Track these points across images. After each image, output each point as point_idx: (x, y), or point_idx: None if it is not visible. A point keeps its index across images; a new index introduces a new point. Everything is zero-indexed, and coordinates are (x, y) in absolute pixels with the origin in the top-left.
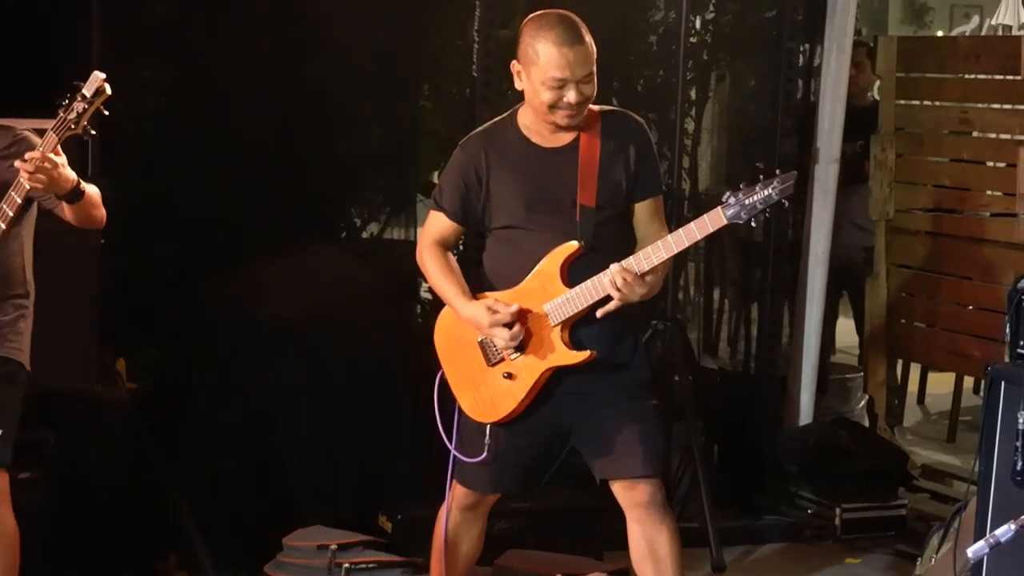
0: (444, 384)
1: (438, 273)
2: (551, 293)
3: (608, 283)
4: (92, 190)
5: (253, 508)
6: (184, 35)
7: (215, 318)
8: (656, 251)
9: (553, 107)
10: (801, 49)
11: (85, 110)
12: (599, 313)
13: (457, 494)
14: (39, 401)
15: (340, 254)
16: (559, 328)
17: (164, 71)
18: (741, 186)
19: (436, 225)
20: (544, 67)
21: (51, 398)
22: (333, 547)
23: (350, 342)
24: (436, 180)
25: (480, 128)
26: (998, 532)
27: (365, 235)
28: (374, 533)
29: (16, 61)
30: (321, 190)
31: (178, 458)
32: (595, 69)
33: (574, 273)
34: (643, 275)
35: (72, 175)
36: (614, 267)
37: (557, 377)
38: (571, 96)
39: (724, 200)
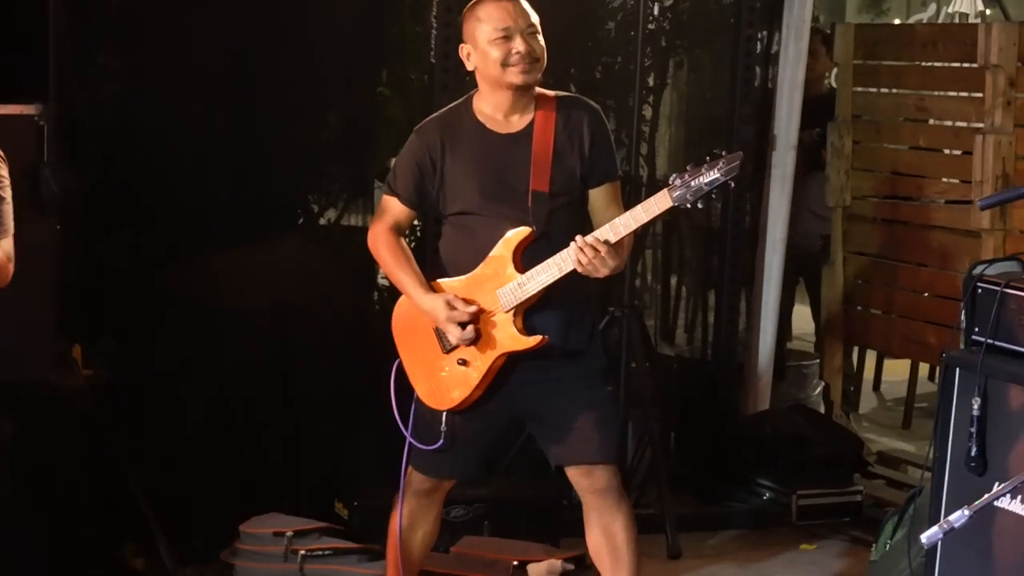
0: (401, 371)
1: (392, 261)
2: (504, 279)
3: (570, 258)
4: None
5: (210, 495)
6: (142, 23)
7: (172, 306)
8: (614, 228)
9: (505, 64)
10: (759, 36)
11: None
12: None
13: (413, 480)
14: None
15: (298, 241)
16: (512, 314)
17: (121, 59)
18: (688, 168)
19: (390, 210)
20: (488, 25)
21: (7, 386)
22: (289, 534)
23: (307, 329)
24: (393, 165)
25: (435, 114)
26: (952, 517)
27: (323, 222)
28: (331, 520)
29: None
30: (279, 177)
31: (135, 446)
32: (540, 29)
33: (527, 259)
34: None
35: None
36: (580, 239)
37: (512, 364)
38: (519, 46)
39: (671, 182)
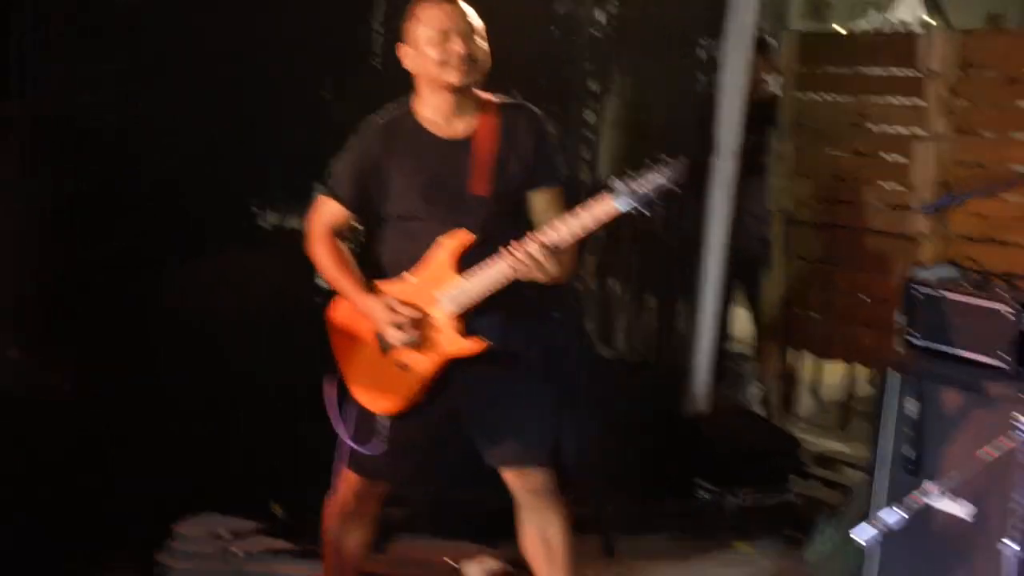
0: (338, 373)
1: (332, 263)
2: (444, 283)
3: (506, 264)
4: None
5: (147, 496)
6: (118, 26)
7: (126, 312)
8: (552, 228)
9: (442, 64)
10: (702, 43)
11: None
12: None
13: (351, 482)
14: None
15: (242, 244)
16: (453, 318)
17: (99, 62)
18: (631, 173)
19: (329, 212)
20: (426, 25)
21: None
22: (226, 535)
23: (247, 331)
24: (333, 165)
25: (375, 116)
26: (883, 514)
27: (266, 226)
28: (267, 520)
29: None
30: (227, 182)
31: (76, 446)
32: (481, 33)
33: (467, 263)
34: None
35: None
36: (516, 242)
37: (452, 367)
38: (456, 46)
39: (612, 186)
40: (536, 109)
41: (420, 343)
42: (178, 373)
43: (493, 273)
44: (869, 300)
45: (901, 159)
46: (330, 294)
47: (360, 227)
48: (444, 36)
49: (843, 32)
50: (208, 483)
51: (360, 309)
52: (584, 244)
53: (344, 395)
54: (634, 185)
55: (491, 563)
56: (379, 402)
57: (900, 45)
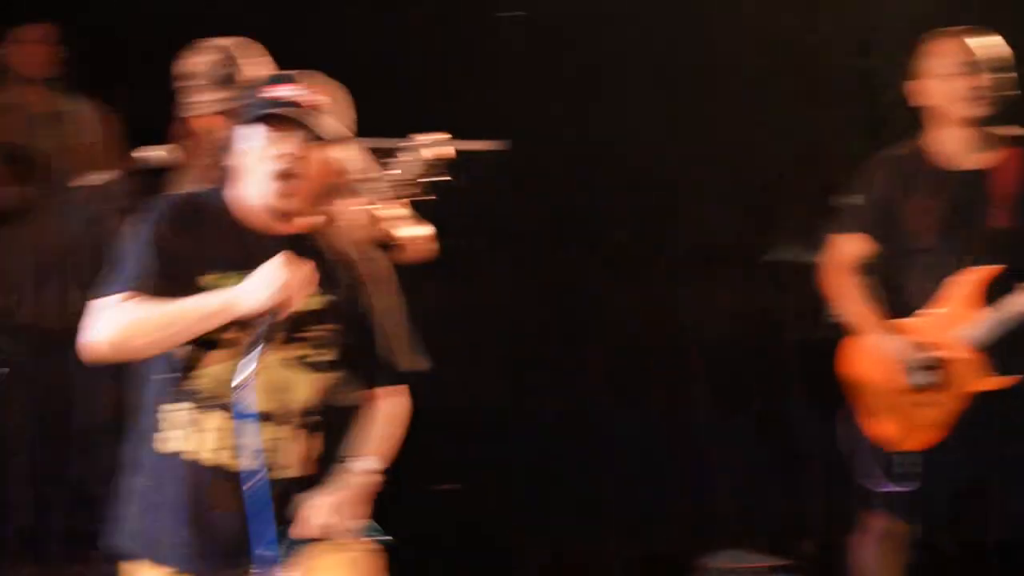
0: (857, 411)
1: (851, 298)
2: (968, 317)
3: None
4: None
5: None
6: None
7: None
8: None
9: (961, 99)
10: None
11: None
12: None
13: (877, 523)
14: None
15: (746, 276)
16: (978, 353)
17: None
18: None
19: (848, 247)
20: (948, 58)
21: None
22: (764, 568)
23: (756, 365)
24: (845, 201)
25: (890, 150)
26: None
27: (771, 257)
28: (793, 558)
29: None
30: (735, 215)
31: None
32: (1005, 65)
33: (991, 296)
34: None
35: None
36: None
37: (977, 403)
38: (976, 81)
39: None
40: None
41: (944, 380)
42: (691, 404)
43: (1019, 306)
44: None
45: None
46: (842, 329)
47: (877, 263)
48: (966, 69)
49: None
50: (726, 517)
51: (880, 346)
52: None
53: (858, 431)
54: None
55: None
56: (905, 439)
57: None
